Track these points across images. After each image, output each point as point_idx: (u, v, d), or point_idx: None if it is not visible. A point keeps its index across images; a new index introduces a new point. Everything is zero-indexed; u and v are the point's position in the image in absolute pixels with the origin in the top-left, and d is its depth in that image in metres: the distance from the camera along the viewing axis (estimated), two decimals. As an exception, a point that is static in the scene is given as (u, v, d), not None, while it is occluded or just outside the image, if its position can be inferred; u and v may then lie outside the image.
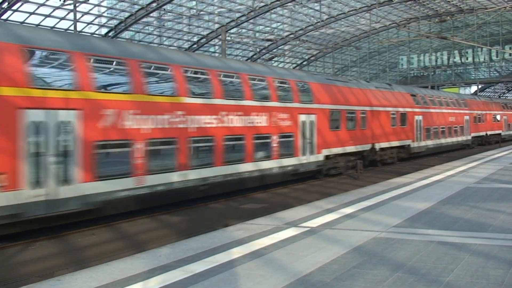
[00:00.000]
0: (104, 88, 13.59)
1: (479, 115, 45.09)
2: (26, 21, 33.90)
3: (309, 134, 21.24)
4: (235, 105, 17.42)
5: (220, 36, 40.53)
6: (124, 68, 14.07)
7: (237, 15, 44.35)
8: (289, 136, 20.12)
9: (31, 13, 33.69)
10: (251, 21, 46.43)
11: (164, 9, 39.87)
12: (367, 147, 25.96)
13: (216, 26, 44.96)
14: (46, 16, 34.65)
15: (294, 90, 20.88)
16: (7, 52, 11.48)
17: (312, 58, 60.44)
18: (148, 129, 14.18)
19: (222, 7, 46.05)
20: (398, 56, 65.38)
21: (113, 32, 39.45)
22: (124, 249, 10.86)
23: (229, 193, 17.65)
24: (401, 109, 30.00)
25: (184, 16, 45.49)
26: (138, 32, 44.71)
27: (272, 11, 44.79)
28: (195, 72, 16.52)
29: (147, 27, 45.35)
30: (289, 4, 43.01)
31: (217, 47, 52.26)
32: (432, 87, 54.35)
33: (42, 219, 11.83)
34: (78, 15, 35.27)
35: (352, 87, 25.67)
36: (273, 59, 55.00)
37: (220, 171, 16.53)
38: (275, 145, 19.20)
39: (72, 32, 32.78)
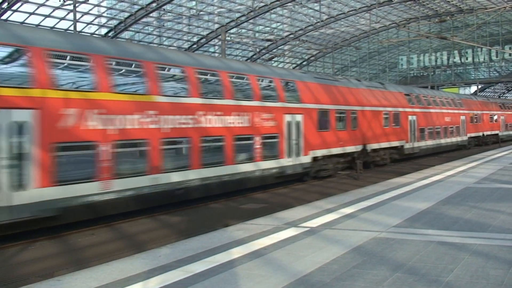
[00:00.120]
0: (65, 85, 12.52)
1: (475, 115, 44.37)
2: (26, 22, 33.89)
3: (295, 135, 20.43)
4: (214, 105, 16.54)
5: (220, 36, 40.55)
6: (88, 64, 13.10)
7: (237, 15, 44.36)
8: (273, 137, 19.24)
9: (31, 13, 33.71)
10: (251, 21, 46.45)
11: (164, 9, 39.89)
12: (358, 148, 25.18)
13: (216, 26, 44.98)
14: (46, 16, 34.67)
15: (278, 89, 20.00)
16: None
17: (312, 58, 60.46)
18: (115, 130, 13.24)
19: (222, 7, 46.08)
20: (398, 56, 65.41)
21: (112, 32, 39.47)
22: (124, 249, 10.86)
23: (228, 193, 17.63)
24: (394, 109, 29.23)
25: (184, 16, 45.51)
26: (138, 32, 44.73)
27: (272, 11, 44.81)
28: (169, 69, 15.71)
29: (147, 27, 45.37)
30: (289, 4, 43.02)
31: (217, 47, 52.29)
32: (432, 87, 54.38)
33: None
34: (78, 15, 35.28)
35: (342, 86, 24.80)
36: (273, 59, 55.02)
37: (198, 174, 15.65)
38: (257, 146, 18.29)
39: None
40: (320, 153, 21.94)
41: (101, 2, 38.72)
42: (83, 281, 6.26)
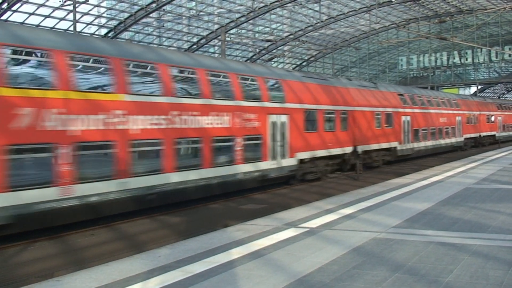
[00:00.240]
0: (20, 83, 11.61)
1: (472, 115, 43.45)
2: (25, 22, 33.89)
3: (280, 136, 19.54)
4: (190, 104, 15.68)
5: (219, 37, 40.57)
6: (46, 60, 12.14)
7: (237, 15, 44.36)
8: (256, 139, 18.34)
9: (30, 14, 33.71)
10: (250, 21, 46.44)
11: (164, 9, 39.86)
12: (348, 149, 24.33)
13: (216, 26, 44.97)
14: (46, 16, 34.66)
15: (262, 88, 19.09)
16: None
17: (311, 59, 60.46)
18: (77, 131, 12.29)
19: (221, 8, 46.06)
20: (397, 57, 65.45)
21: (112, 32, 39.46)
22: (123, 249, 10.86)
23: (228, 193, 17.63)
24: (386, 109, 28.40)
25: (183, 17, 45.49)
26: (137, 32, 44.74)
27: (272, 11, 44.79)
28: (140, 66, 14.61)
29: (146, 28, 45.35)
30: (289, 4, 43.02)
31: (216, 48, 52.30)
32: (432, 88, 54.36)
33: None
34: (78, 16, 35.27)
35: (331, 86, 23.95)
36: (273, 60, 55.03)
37: (171, 178, 14.72)
38: (238, 148, 17.36)
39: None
40: (307, 155, 21.11)
41: (101, 2, 38.71)
42: (83, 282, 6.26)
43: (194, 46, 45.95)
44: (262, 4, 42.11)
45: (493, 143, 48.25)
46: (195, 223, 13.67)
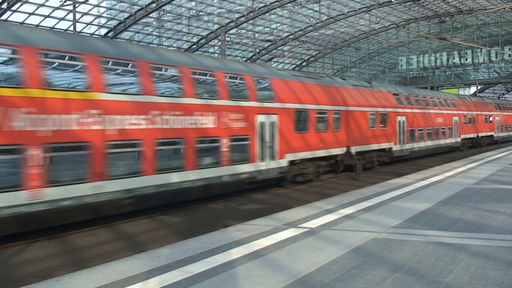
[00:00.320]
0: None
1: (469, 115, 42.57)
2: (25, 22, 33.90)
3: (269, 137, 18.81)
4: (172, 104, 15.00)
5: (219, 37, 40.58)
6: (16, 57, 11.52)
7: (237, 15, 44.37)
8: (244, 140, 17.62)
9: (30, 14, 33.71)
10: (250, 21, 46.45)
11: (164, 9, 39.89)
12: (341, 150, 23.58)
13: (216, 26, 44.98)
14: (46, 16, 34.66)
15: (250, 87, 18.31)
16: None
17: (311, 59, 60.49)
18: (48, 131, 11.61)
19: (221, 8, 46.06)
20: (397, 57, 65.46)
21: (112, 32, 39.47)
22: (123, 249, 10.86)
23: (228, 193, 17.63)
24: (381, 109, 27.59)
25: (183, 17, 45.50)
26: (137, 32, 44.75)
27: (272, 11, 44.81)
28: (118, 64, 13.94)
29: (146, 28, 45.36)
30: (289, 4, 43.03)
31: (216, 48, 52.30)
32: (432, 88, 54.34)
33: None
34: (78, 16, 35.28)
35: (324, 85, 23.24)
36: (273, 60, 55.04)
37: (151, 181, 14.01)
38: (225, 149, 16.64)
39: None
40: (298, 156, 20.45)
41: (100, 2, 38.72)
42: (83, 282, 6.26)
43: (194, 46, 45.96)
44: (262, 4, 42.12)
45: (491, 143, 47.64)
46: (195, 223, 13.67)
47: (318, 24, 48.37)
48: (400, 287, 5.72)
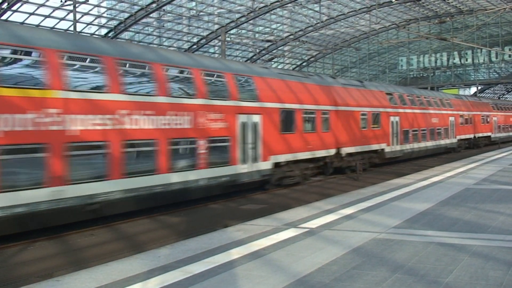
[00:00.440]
0: None
1: (466, 116, 41.74)
2: (26, 22, 33.91)
3: (251, 138, 17.93)
4: (143, 102, 14.07)
5: (219, 37, 40.57)
6: None
7: (237, 15, 44.38)
8: (223, 141, 16.74)
9: (30, 14, 33.72)
10: (250, 22, 46.46)
11: (164, 9, 39.89)
12: (331, 152, 22.78)
13: (216, 26, 44.99)
14: (46, 16, 34.67)
15: (230, 85, 17.37)
16: None
17: (311, 59, 60.50)
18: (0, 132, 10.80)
19: (221, 8, 46.06)
20: (397, 57, 65.46)
21: (112, 32, 39.48)
22: (123, 249, 10.86)
23: (228, 194, 17.62)
24: (373, 109, 26.75)
25: (183, 17, 45.52)
26: (137, 32, 44.76)
27: (272, 12, 44.81)
28: (80, 59, 12.92)
29: (146, 28, 45.37)
30: (289, 5, 43.04)
31: (216, 48, 52.32)
32: (432, 88, 54.34)
33: None
34: (78, 16, 35.29)
35: (312, 84, 22.36)
36: (273, 60, 55.05)
37: (118, 185, 13.11)
38: (202, 151, 15.74)
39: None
40: (283, 158, 19.56)
41: (101, 2, 38.72)
42: (83, 282, 6.26)
43: (194, 46, 45.98)
44: (262, 4, 42.13)
45: (489, 144, 46.90)
46: (195, 223, 13.67)
47: (318, 24, 48.38)
48: (400, 287, 5.72)
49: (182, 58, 17.10)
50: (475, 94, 66.02)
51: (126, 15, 39.30)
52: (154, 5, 37.30)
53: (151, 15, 39.68)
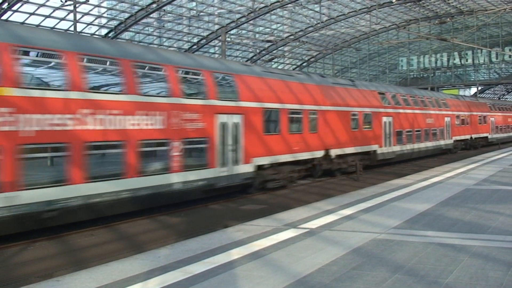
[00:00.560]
0: None
1: (462, 116, 40.92)
2: (26, 22, 33.92)
3: (232, 139, 17.02)
4: (109, 101, 13.14)
5: (220, 37, 40.58)
6: None
7: (237, 16, 44.40)
8: (200, 142, 15.85)
9: (31, 14, 33.73)
10: (251, 22, 46.48)
11: (164, 10, 39.90)
12: (319, 154, 21.88)
13: (216, 27, 45.01)
14: (46, 16, 34.68)
15: (209, 83, 16.41)
16: None
17: (312, 60, 60.53)
18: None
19: (222, 8, 46.07)
20: (397, 58, 65.48)
21: (113, 33, 39.49)
22: (123, 250, 10.86)
23: (228, 194, 17.61)
24: (364, 109, 25.83)
25: (184, 17, 45.53)
26: (138, 33, 44.76)
27: (272, 12, 44.84)
28: (37, 54, 12.10)
29: (147, 28, 45.40)
30: (289, 5, 43.06)
31: (217, 48, 52.35)
32: (432, 89, 54.33)
33: None
34: (78, 16, 35.31)
35: (299, 83, 21.41)
36: (273, 60, 55.06)
37: (80, 190, 12.15)
38: (176, 154, 14.81)
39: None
40: (266, 160, 18.63)
41: (101, 2, 38.74)
42: (83, 282, 6.26)
43: (195, 47, 46.00)
44: (262, 5, 42.14)
45: (486, 145, 46.12)
46: (195, 224, 13.67)
47: (318, 25, 48.39)
48: (400, 288, 5.72)
49: (153, 54, 15.89)
50: (475, 95, 66.03)
51: (127, 15, 39.30)
52: (154, 5, 37.31)
53: (151, 15, 39.71)
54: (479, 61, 59.71)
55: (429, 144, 34.05)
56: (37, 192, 11.44)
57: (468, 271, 6.32)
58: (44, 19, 35.02)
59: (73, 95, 12.30)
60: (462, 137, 40.97)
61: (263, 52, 51.96)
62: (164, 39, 48.34)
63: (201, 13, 44.63)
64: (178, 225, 13.61)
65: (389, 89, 31.20)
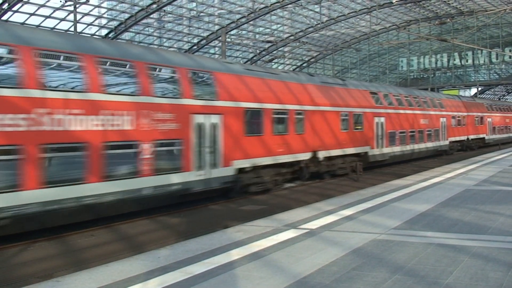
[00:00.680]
0: None
1: (458, 117, 40.05)
2: (26, 22, 33.94)
3: (209, 140, 16.08)
4: (68, 100, 12.11)
5: (220, 38, 40.61)
6: None
7: (237, 16, 44.42)
8: (174, 144, 14.97)
9: (31, 14, 33.75)
10: (251, 22, 46.51)
11: (164, 10, 39.92)
12: (306, 156, 20.96)
13: (216, 27, 45.03)
14: (46, 17, 34.70)
15: (183, 81, 15.46)
16: None
17: (312, 60, 60.55)
18: None
19: (222, 9, 46.10)
20: (398, 58, 65.47)
21: (113, 33, 39.50)
22: (123, 250, 10.86)
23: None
24: (355, 110, 24.92)
25: (184, 18, 45.56)
26: (138, 33, 44.80)
27: (272, 12, 44.87)
28: None
29: (147, 29, 45.43)
30: (289, 6, 43.07)
31: (217, 49, 52.37)
32: (432, 89, 54.33)
33: None
34: (78, 16, 35.32)
35: (285, 81, 20.48)
36: (273, 61, 55.08)
37: (35, 197, 11.22)
38: (147, 156, 13.88)
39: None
40: (249, 163, 17.67)
41: (101, 3, 38.76)
42: (82, 282, 6.26)
43: (195, 47, 46.01)
44: (262, 5, 42.15)
45: (483, 146, 45.41)
46: (195, 224, 13.66)
47: (318, 25, 48.42)
48: (400, 289, 5.72)
49: (120, 49, 14.78)
50: (475, 95, 66.07)
51: (127, 15, 39.32)
52: (154, 5, 37.33)
53: (151, 16, 39.75)
54: (479, 61, 59.70)
55: (424, 145, 33.22)
56: None
57: (468, 271, 6.32)
58: (44, 20, 35.05)
59: (27, 93, 11.38)
60: (458, 138, 40.22)
61: (263, 52, 51.97)
62: (164, 40, 48.36)
63: (201, 14, 44.66)
64: (178, 226, 13.61)
65: (381, 88, 30.24)
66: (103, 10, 42.51)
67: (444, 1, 47.44)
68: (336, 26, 51.90)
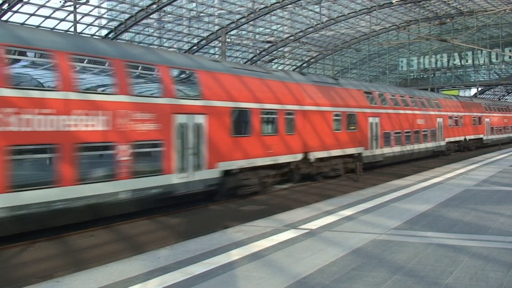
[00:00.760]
0: None
1: (456, 117, 39.49)
2: (26, 23, 33.95)
3: (192, 142, 15.42)
4: (37, 99, 11.47)
5: (220, 38, 40.61)
6: None
7: (237, 17, 44.44)
8: (154, 146, 14.33)
9: (31, 15, 33.76)
10: (251, 23, 46.52)
11: (164, 10, 39.93)
12: (297, 157, 20.39)
13: (216, 28, 45.04)
14: (46, 17, 34.71)
15: (165, 79, 14.82)
16: None
17: (312, 60, 60.56)
18: None
19: (222, 9, 46.12)
20: (398, 58, 65.49)
21: (113, 33, 39.51)
22: (123, 250, 10.86)
23: (228, 194, 17.56)
24: (349, 110, 24.31)
25: (184, 18, 45.57)
26: (138, 33, 44.82)
27: (272, 13, 44.88)
28: None
29: (147, 29, 45.45)
30: (289, 6, 43.09)
31: (217, 49, 52.37)
32: (432, 90, 54.34)
33: None
34: (78, 17, 35.32)
35: (274, 80, 19.88)
36: (273, 61, 55.10)
37: (0, 201, 10.61)
38: (124, 158, 13.18)
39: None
40: (235, 165, 17.09)
41: (101, 3, 38.77)
42: (82, 283, 6.26)
43: (195, 47, 46.02)
44: (262, 6, 42.17)
45: (480, 147, 44.98)
46: (195, 224, 13.66)
47: (318, 26, 48.43)
48: (400, 289, 5.72)
49: (95, 46, 14.13)
50: (475, 95, 66.08)
51: (127, 16, 39.33)
52: (154, 6, 37.34)
53: (151, 16, 39.76)
54: (479, 62, 59.72)
55: (420, 146, 32.65)
56: None
57: (468, 271, 6.32)
58: (44, 20, 35.06)
59: None
60: (455, 139, 39.62)
61: (263, 53, 51.98)
62: (164, 40, 48.39)
63: (201, 14, 44.67)
64: (178, 226, 13.60)
65: (376, 88, 29.53)
66: (103, 11, 42.52)
67: (444, 1, 47.46)
68: (336, 26, 51.92)
